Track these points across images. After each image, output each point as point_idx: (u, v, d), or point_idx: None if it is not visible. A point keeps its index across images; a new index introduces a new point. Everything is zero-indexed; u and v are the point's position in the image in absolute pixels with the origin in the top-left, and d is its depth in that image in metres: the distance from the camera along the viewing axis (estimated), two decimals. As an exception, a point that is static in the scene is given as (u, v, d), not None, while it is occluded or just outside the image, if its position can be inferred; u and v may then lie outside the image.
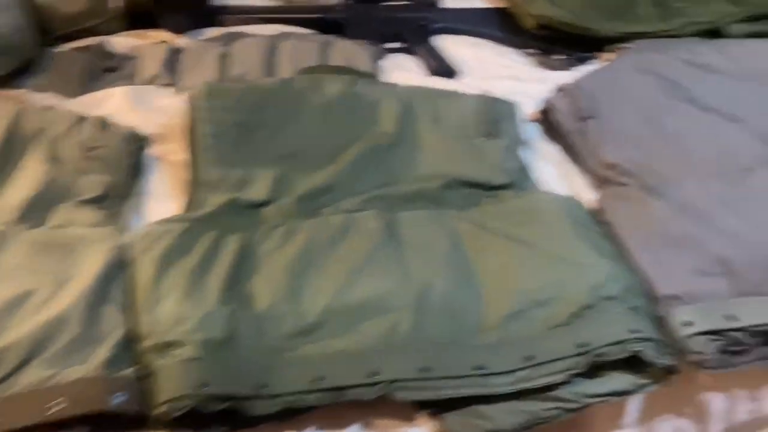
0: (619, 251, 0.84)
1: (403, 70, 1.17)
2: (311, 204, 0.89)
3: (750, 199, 0.87)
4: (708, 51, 1.08)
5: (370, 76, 1.09)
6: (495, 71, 1.17)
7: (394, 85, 1.05)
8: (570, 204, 0.89)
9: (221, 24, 1.23)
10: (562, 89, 1.05)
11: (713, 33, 1.15)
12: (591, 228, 0.86)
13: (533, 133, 1.05)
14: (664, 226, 0.84)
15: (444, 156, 0.96)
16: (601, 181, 0.96)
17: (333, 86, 1.01)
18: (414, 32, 1.21)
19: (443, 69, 1.16)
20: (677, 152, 0.95)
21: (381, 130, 0.98)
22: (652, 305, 0.78)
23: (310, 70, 1.06)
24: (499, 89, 1.14)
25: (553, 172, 1.00)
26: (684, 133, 0.98)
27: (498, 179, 0.93)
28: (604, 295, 0.76)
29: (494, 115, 1.01)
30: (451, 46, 1.22)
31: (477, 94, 1.04)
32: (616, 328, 0.74)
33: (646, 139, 0.97)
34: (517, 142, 0.99)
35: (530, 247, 0.82)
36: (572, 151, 1.01)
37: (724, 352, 0.74)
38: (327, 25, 1.23)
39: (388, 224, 0.85)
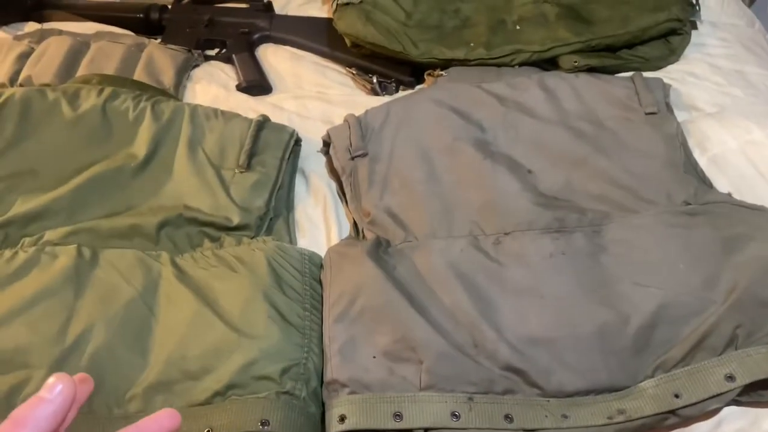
0: (319, 322, 0.75)
1: (209, 82, 1.08)
2: (18, 231, 0.83)
3: (485, 276, 0.76)
4: (524, 85, 0.95)
5: (161, 92, 1.01)
6: (310, 90, 1.07)
7: (173, 103, 0.97)
8: (290, 260, 0.79)
9: (43, 19, 1.17)
10: (346, 120, 0.94)
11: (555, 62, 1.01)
12: (303, 292, 0.77)
13: (317, 167, 0.96)
14: (368, 299, 0.74)
15: (186, 187, 0.88)
16: (360, 232, 0.86)
17: (89, 100, 0.94)
18: (236, 40, 1.12)
19: (256, 83, 1.07)
20: (437, 206, 0.84)
21: (131, 151, 0.91)
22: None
23: (86, 80, 0.99)
24: (310, 110, 1.05)
25: (319, 215, 0.91)
26: (454, 182, 0.86)
27: (235, 219, 0.84)
28: (257, 375, 0.68)
29: (261, 143, 0.91)
30: (272, 57, 1.12)
31: (255, 117, 0.94)
32: (246, 417, 0.65)
33: (411, 186, 0.86)
34: (276, 177, 0.89)
35: (211, 307, 0.74)
36: (342, 193, 0.91)
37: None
38: (150, 25, 1.15)
39: (85, 263, 0.78)
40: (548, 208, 0.82)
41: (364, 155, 0.90)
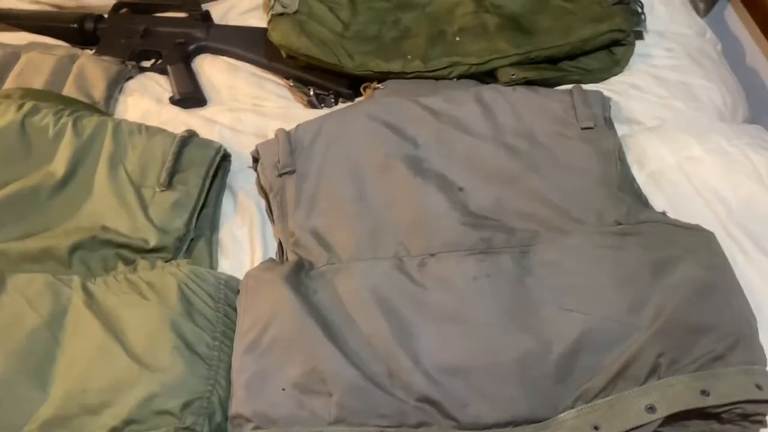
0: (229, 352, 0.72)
1: (142, 95, 1.05)
2: None
3: (408, 301, 0.73)
4: (460, 100, 0.92)
5: (87, 107, 0.97)
6: (245, 102, 1.04)
7: (97, 118, 0.93)
8: (203, 285, 0.76)
9: (-24, 28, 1.13)
10: (276, 134, 0.91)
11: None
12: (215, 320, 0.74)
13: (246, 184, 0.93)
14: (281, 328, 0.70)
15: (105, 207, 0.84)
16: (284, 254, 0.83)
17: (7, 115, 0.90)
18: (172, 50, 1.08)
19: (190, 96, 1.04)
20: (364, 226, 0.81)
21: (50, 170, 0.87)
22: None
23: (7, 94, 0.96)
24: (245, 124, 1.01)
25: (245, 235, 0.88)
26: (383, 201, 0.83)
27: (152, 241, 0.81)
28: (157, 409, 0.65)
29: (184, 160, 0.88)
30: (208, 68, 1.09)
31: (180, 132, 0.91)
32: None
33: (339, 206, 0.83)
34: (198, 196, 0.86)
35: (116, 337, 0.71)
36: (270, 211, 0.88)
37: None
38: (85, 36, 1.12)
39: (-9, 288, 0.75)
40: (476, 227, 0.79)
41: (292, 172, 0.87)
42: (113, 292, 0.76)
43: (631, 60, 1.01)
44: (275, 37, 1.00)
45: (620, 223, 0.78)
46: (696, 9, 1.24)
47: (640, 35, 1.05)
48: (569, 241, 0.77)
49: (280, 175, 0.87)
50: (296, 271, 0.77)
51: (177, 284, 0.74)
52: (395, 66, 0.97)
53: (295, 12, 1.00)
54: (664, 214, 0.80)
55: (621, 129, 0.91)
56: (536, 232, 0.79)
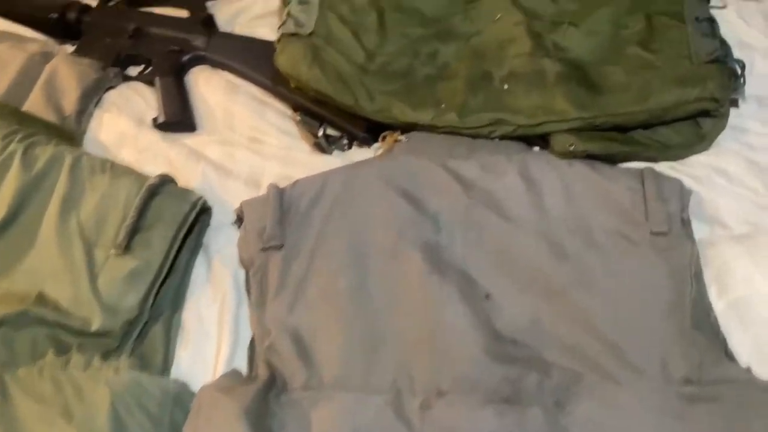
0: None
1: (121, 111, 0.88)
2: None
3: None
4: (501, 168, 0.73)
5: (48, 128, 0.81)
6: (242, 133, 0.86)
7: (53, 148, 0.76)
8: (145, 401, 0.60)
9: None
10: (268, 190, 0.74)
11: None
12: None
13: (226, 246, 0.76)
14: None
15: (47, 265, 0.68)
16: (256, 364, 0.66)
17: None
18: (163, 59, 0.91)
19: (176, 120, 0.86)
20: (359, 334, 0.64)
21: (-10, 209, 0.71)
22: None
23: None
24: (236, 162, 0.85)
25: (213, 316, 0.71)
26: (388, 301, 0.66)
27: (95, 323, 0.65)
28: None
29: (151, 214, 0.71)
30: (204, 85, 0.91)
31: (151, 178, 0.73)
32: None
33: (331, 299, 0.66)
34: (161, 265, 0.69)
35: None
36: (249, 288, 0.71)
37: None
38: (66, 28, 0.95)
39: None
40: (502, 360, 0.61)
41: (279, 247, 0.70)
42: (32, 396, 0.60)
43: (720, 134, 0.81)
44: (282, 63, 0.81)
45: (690, 381, 0.59)
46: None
47: (734, 102, 0.85)
48: (621, 397, 0.59)
49: (265, 249, 0.70)
50: (263, 394, 0.60)
51: (110, 400, 0.58)
52: (424, 116, 0.78)
53: (310, 33, 0.81)
54: (749, 371, 0.61)
55: (699, 231, 0.72)
56: (579, 376, 0.61)
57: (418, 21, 0.87)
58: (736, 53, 0.89)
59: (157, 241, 0.70)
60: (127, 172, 0.75)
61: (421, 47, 0.84)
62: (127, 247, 0.69)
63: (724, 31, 0.92)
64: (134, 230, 0.69)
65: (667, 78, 0.78)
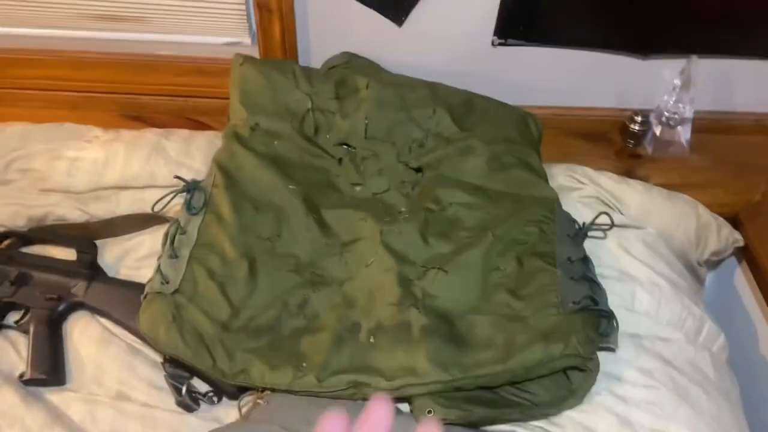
0: None
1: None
2: None
3: None
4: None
5: None
6: (109, 389, 0.83)
7: None
8: None
9: None
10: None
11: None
12: None
13: None
14: None
15: None
16: None
17: None
18: (40, 307, 0.89)
19: (43, 376, 0.84)
20: None
21: None
22: None
23: None
24: (97, 423, 0.81)
25: None
26: None
27: None
28: None
29: None
30: (78, 335, 0.88)
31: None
32: None
33: None
34: None
35: None
36: None
37: None
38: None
39: None
40: None
41: None
42: None
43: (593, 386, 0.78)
44: (143, 323, 0.79)
45: None
46: (696, 276, 1.02)
47: (611, 348, 0.83)
48: None
49: None
50: None
51: None
52: (282, 378, 0.75)
53: (174, 292, 0.81)
54: None
55: None
56: None
57: (293, 266, 0.87)
58: (617, 285, 0.90)
59: None
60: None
61: (291, 296, 0.83)
62: None
63: (605, 262, 0.92)
64: None
65: (533, 332, 0.76)
